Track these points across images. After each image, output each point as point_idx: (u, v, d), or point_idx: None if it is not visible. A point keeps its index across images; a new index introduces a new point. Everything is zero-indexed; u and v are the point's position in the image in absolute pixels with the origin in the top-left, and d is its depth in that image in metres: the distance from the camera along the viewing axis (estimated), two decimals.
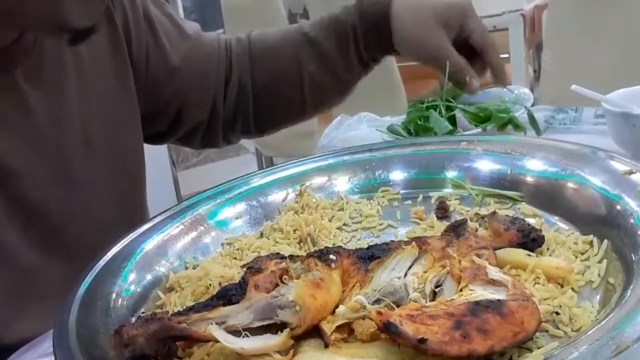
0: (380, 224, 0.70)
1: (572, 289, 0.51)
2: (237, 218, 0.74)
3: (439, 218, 0.68)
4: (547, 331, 0.47)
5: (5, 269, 0.74)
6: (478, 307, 0.43)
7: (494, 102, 1.05)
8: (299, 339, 0.47)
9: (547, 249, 0.58)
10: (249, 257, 0.64)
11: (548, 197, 0.66)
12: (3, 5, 0.65)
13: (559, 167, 0.66)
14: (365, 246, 0.57)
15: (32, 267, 0.77)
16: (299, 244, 0.67)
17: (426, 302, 0.48)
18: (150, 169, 0.94)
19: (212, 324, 0.46)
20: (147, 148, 0.95)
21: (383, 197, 0.75)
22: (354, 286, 0.52)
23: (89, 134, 0.82)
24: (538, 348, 0.44)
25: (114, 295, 0.59)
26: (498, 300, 0.44)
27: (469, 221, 0.60)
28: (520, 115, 1.00)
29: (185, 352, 0.50)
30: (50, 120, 0.78)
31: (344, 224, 0.71)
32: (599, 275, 0.53)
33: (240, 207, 0.75)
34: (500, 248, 0.56)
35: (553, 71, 2.15)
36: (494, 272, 0.49)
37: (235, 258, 0.67)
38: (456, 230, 0.57)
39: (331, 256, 0.53)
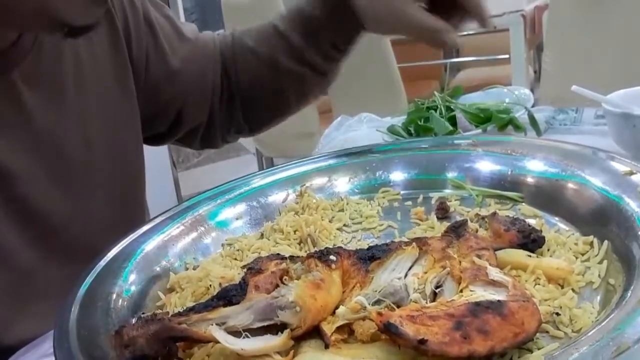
0: (380, 225, 0.70)
1: (573, 289, 0.51)
2: (237, 219, 0.74)
3: (440, 219, 0.68)
4: (547, 332, 0.47)
5: (5, 270, 0.74)
6: (478, 308, 0.43)
7: (494, 102, 1.05)
8: (299, 340, 0.47)
9: (548, 250, 0.58)
10: (250, 258, 0.64)
11: (548, 197, 0.66)
12: (3, 5, 0.65)
13: (559, 168, 0.66)
14: (366, 247, 0.57)
15: (32, 268, 0.77)
16: (299, 244, 0.67)
17: (426, 302, 0.48)
18: (150, 170, 0.94)
19: (212, 324, 0.46)
20: (148, 149, 0.95)
21: (383, 197, 0.75)
22: (354, 287, 0.52)
23: (88, 134, 0.82)
24: (538, 349, 0.44)
25: (114, 296, 0.59)
26: (498, 301, 0.44)
27: (469, 222, 0.60)
28: (521, 115, 1.00)
29: (186, 352, 0.50)
30: (49, 121, 0.77)
31: (345, 225, 0.71)
32: (599, 276, 0.53)
33: (241, 207, 0.75)
34: (500, 249, 0.56)
35: (553, 72, 2.16)
36: (494, 273, 0.49)
37: (235, 259, 0.67)
38: (456, 231, 0.57)
39: (331, 257, 0.53)
